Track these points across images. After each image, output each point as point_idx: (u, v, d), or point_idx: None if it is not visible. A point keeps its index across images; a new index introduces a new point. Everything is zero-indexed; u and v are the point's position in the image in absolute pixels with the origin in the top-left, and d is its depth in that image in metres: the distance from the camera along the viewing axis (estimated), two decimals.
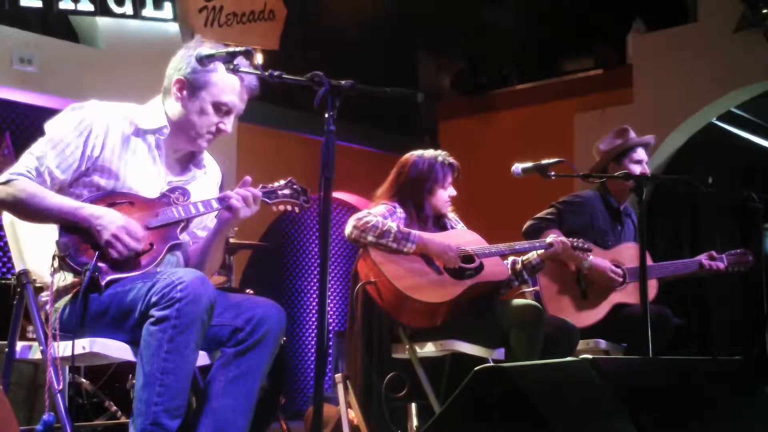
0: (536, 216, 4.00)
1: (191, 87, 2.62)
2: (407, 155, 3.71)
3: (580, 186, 4.57)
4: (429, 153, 3.68)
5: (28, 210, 2.47)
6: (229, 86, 2.62)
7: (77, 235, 2.45)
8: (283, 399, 4.81)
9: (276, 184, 2.73)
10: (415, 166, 3.64)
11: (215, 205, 2.62)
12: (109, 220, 2.45)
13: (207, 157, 2.84)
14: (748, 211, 3.46)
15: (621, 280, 3.89)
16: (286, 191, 2.72)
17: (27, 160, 2.52)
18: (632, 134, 4.13)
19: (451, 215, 3.77)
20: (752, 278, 4.00)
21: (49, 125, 2.59)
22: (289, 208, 2.72)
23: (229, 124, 2.67)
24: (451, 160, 3.69)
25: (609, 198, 4.13)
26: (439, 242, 3.46)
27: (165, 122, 2.65)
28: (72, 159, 2.53)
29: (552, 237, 3.69)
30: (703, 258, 4.08)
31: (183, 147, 2.71)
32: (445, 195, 3.65)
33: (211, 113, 2.62)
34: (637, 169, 4.01)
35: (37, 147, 2.54)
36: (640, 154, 4.09)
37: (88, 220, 2.44)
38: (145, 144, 2.64)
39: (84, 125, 2.55)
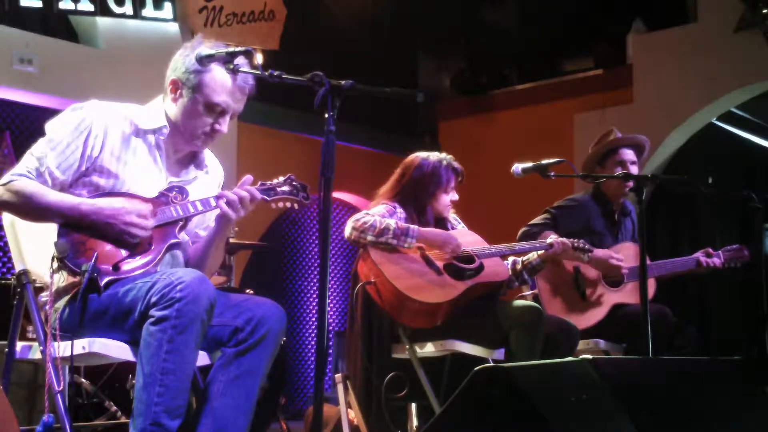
0: (530, 223, 3.99)
1: (184, 88, 2.61)
2: (412, 156, 3.70)
3: (580, 186, 4.58)
4: (434, 156, 3.66)
5: (30, 209, 2.47)
6: (221, 86, 2.60)
7: (76, 236, 2.45)
8: (283, 399, 4.81)
9: (275, 181, 2.71)
10: (419, 169, 3.63)
11: (213, 203, 2.61)
12: (116, 207, 2.46)
13: (209, 158, 2.84)
14: (748, 211, 3.46)
15: (624, 267, 3.86)
16: (286, 188, 2.70)
17: (28, 160, 2.53)
18: (617, 135, 4.12)
19: (452, 216, 3.77)
20: (752, 278, 4.00)
21: (49, 126, 2.59)
22: (288, 205, 2.71)
23: (224, 125, 2.65)
24: (456, 164, 3.66)
25: (603, 199, 4.12)
26: (440, 232, 3.47)
27: (164, 122, 2.65)
28: (72, 159, 2.53)
29: (552, 237, 3.69)
30: (699, 255, 4.08)
31: (182, 147, 2.71)
32: (446, 199, 3.64)
33: (205, 114, 2.61)
34: (618, 171, 3.96)
35: (38, 148, 2.54)
36: (625, 154, 4.05)
37: (93, 214, 2.45)
38: (145, 144, 2.64)
39: (84, 126, 2.55)
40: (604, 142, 4.11)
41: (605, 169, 4.02)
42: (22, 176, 2.48)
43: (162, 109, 2.68)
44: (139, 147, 2.63)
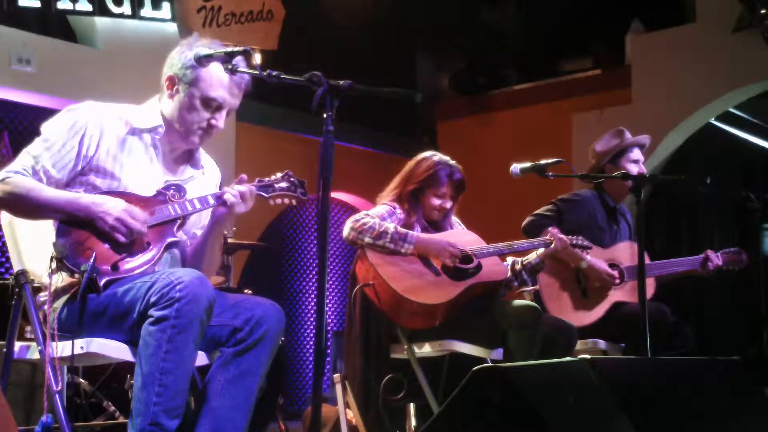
0: (535, 212, 4.01)
1: (180, 83, 2.61)
2: (420, 154, 3.70)
3: (579, 186, 4.58)
4: (437, 158, 3.64)
5: (26, 205, 2.47)
6: (217, 81, 2.60)
7: (75, 235, 2.45)
8: (282, 399, 4.80)
9: (272, 177, 2.72)
10: (417, 165, 3.63)
11: (211, 201, 2.62)
12: (111, 205, 2.46)
13: (205, 158, 2.84)
14: (746, 211, 3.47)
15: (617, 281, 3.90)
16: (283, 184, 2.70)
17: (23, 159, 2.53)
18: (628, 135, 4.15)
19: (454, 218, 3.76)
20: (750, 278, 4.01)
21: (44, 126, 2.59)
22: (286, 201, 2.71)
23: (220, 120, 2.65)
24: (455, 171, 3.60)
25: (605, 197, 4.15)
26: (438, 240, 3.45)
27: (160, 121, 2.65)
28: (68, 158, 2.53)
29: (551, 235, 3.69)
30: (701, 256, 4.10)
31: (179, 145, 2.71)
32: (435, 202, 3.60)
33: (201, 109, 2.61)
34: (633, 169, 4.03)
35: (33, 147, 2.55)
36: (636, 154, 4.12)
37: (89, 208, 2.45)
38: (141, 143, 2.64)
39: (79, 126, 2.55)
40: (618, 141, 4.13)
41: (617, 167, 4.04)
42: (17, 173, 2.48)
43: (157, 109, 2.68)
44: (134, 146, 2.63)
